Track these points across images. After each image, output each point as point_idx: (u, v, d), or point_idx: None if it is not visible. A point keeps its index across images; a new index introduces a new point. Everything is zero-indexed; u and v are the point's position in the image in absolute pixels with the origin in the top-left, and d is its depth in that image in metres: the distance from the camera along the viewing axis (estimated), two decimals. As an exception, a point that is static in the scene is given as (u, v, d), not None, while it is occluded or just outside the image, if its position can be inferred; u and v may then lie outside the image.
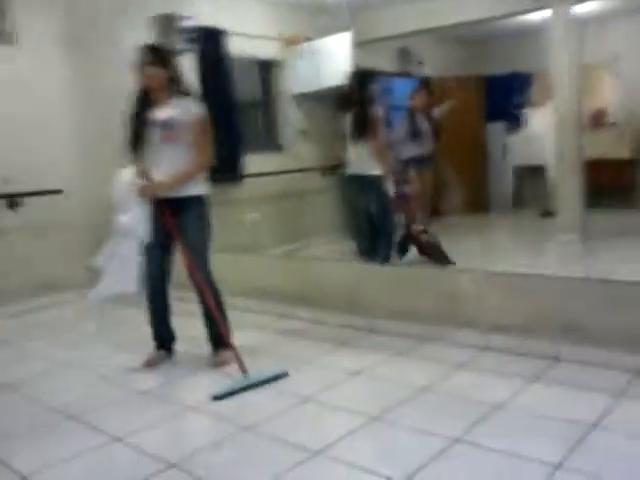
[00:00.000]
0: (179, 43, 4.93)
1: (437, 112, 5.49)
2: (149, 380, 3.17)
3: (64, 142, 5.20)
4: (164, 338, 3.38)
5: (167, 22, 5.12)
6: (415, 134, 5.25)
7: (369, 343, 3.53)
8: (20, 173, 4.82)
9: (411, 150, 5.16)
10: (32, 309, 4.81)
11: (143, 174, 3.09)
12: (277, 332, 3.86)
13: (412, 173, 5.10)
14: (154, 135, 3.11)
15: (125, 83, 5.16)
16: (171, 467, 2.25)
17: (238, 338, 3.23)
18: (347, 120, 4.48)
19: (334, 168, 5.50)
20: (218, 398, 2.82)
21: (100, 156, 5.33)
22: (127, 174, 3.12)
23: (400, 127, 5.27)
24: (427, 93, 5.37)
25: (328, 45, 5.76)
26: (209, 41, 5.26)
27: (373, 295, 3.83)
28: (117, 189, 3.12)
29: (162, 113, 3.11)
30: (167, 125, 3.09)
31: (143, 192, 3.06)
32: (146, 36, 5.07)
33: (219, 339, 3.24)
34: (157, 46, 3.29)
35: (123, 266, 3.04)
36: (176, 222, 3.14)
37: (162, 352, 3.38)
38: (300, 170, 6.01)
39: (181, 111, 3.10)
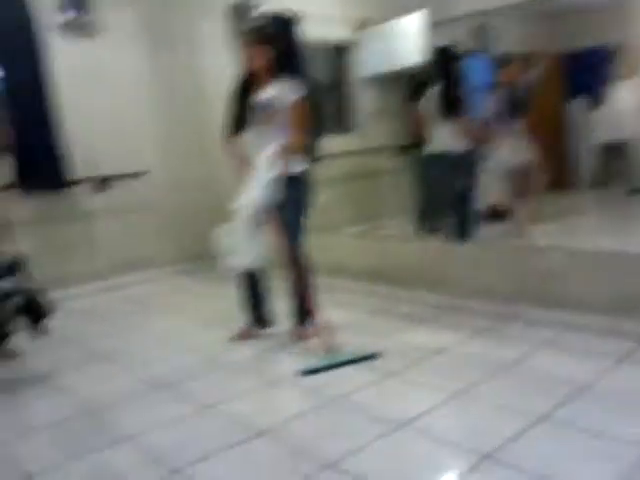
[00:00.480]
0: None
1: (530, 75, 5.33)
2: (239, 352, 3.30)
3: (147, 126, 5.41)
4: (256, 312, 3.48)
5: (241, 10, 5.23)
6: (505, 109, 5.14)
7: (451, 321, 3.53)
8: (108, 157, 5.07)
9: (502, 126, 5.05)
10: (121, 285, 5.07)
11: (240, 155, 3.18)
12: (361, 310, 3.92)
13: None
14: (255, 116, 3.15)
15: (200, 68, 5.40)
16: (260, 434, 2.36)
17: (323, 316, 3.30)
18: (429, 98, 4.43)
19: (409, 147, 5.47)
20: (305, 373, 2.91)
21: (180, 139, 5.54)
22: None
23: (490, 103, 5.16)
24: (515, 67, 5.24)
25: (401, 25, 5.71)
26: (282, 26, 5.32)
27: (455, 273, 3.83)
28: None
29: (264, 94, 3.15)
30: (268, 106, 3.12)
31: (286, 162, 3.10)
32: (221, 24, 5.24)
33: (305, 315, 3.32)
34: (262, 26, 3.30)
35: (250, 242, 3.10)
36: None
37: (253, 326, 3.49)
38: (372, 150, 6.02)
39: (282, 92, 3.12)
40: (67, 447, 2.41)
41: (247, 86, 3.22)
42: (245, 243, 3.09)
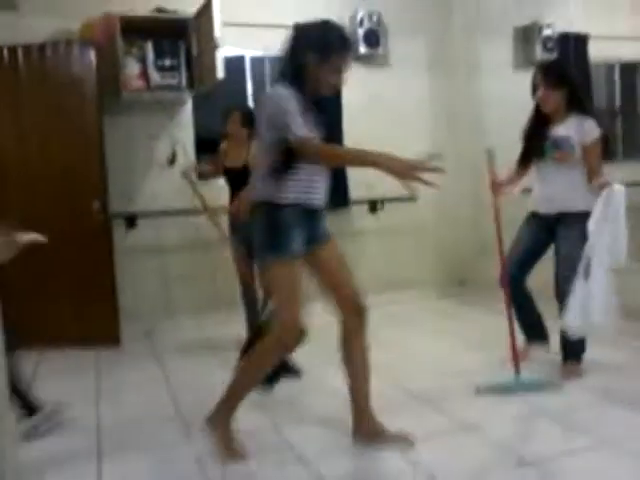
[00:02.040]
0: (539, 53, 4.92)
1: None
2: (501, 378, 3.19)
3: (419, 154, 5.58)
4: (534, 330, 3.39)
5: (526, 33, 5.17)
6: None
7: None
8: (380, 180, 5.33)
9: None
10: (380, 303, 5.24)
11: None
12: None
13: None
14: (546, 152, 3.11)
15: (479, 94, 5.39)
16: (524, 465, 2.29)
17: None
18: None
19: None
20: (482, 391, 3.00)
21: (451, 170, 5.58)
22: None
23: None
24: None
25: None
26: (568, 48, 5.13)
27: None
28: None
29: (557, 131, 3.09)
30: (560, 144, 3.06)
31: None
32: (503, 50, 5.21)
33: (578, 352, 3.21)
34: (550, 67, 3.24)
35: (593, 293, 2.81)
36: (555, 233, 3.15)
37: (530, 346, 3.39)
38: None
39: (577, 131, 3.04)
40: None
41: (540, 119, 3.17)
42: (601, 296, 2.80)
